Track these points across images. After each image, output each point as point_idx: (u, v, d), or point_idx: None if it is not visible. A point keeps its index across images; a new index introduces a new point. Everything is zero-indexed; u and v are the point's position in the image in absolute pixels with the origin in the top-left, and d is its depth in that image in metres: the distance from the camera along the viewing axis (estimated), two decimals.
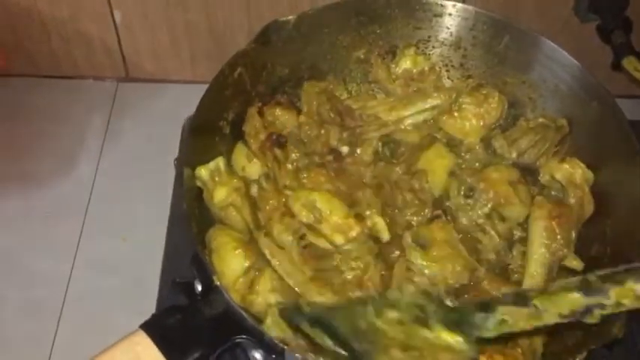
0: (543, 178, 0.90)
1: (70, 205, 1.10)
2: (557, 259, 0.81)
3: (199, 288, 0.70)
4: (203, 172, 0.85)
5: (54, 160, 1.15)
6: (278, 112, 0.93)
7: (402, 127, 0.94)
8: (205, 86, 0.88)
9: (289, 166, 0.89)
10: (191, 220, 0.77)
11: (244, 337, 0.68)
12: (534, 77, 0.94)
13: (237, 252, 0.78)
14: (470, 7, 0.93)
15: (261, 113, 0.92)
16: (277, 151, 0.89)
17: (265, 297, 0.77)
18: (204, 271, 0.70)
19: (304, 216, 0.82)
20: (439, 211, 0.86)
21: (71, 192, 1.12)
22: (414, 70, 0.97)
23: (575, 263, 0.82)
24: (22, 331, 0.98)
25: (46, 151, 1.16)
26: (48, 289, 1.02)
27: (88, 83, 1.26)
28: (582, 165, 0.86)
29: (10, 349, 0.97)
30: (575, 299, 0.59)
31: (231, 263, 0.78)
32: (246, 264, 0.78)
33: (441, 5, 0.94)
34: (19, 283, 1.02)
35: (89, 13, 1.15)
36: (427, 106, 0.94)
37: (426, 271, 0.80)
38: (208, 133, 0.88)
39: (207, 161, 0.85)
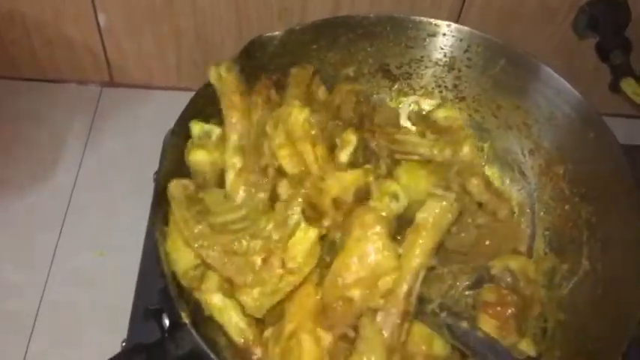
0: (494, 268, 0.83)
1: (46, 215, 1.07)
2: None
3: (167, 323, 0.67)
4: (196, 127, 0.84)
5: (32, 166, 1.12)
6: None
7: None
8: (191, 94, 0.85)
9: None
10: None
11: None
12: (529, 103, 0.90)
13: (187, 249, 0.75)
14: (465, 28, 0.90)
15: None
16: (272, 93, 0.85)
17: (210, 296, 0.74)
18: (173, 306, 0.67)
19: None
20: None
21: (48, 201, 1.08)
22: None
23: (528, 348, 0.79)
24: None
25: (25, 157, 1.12)
26: (21, 302, 0.98)
27: (71, 87, 1.22)
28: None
29: None
30: None
31: (182, 256, 0.75)
32: (196, 262, 0.76)
33: (435, 25, 0.90)
34: None
35: (73, 16, 1.11)
36: None
37: None
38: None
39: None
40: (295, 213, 0.78)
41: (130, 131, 1.17)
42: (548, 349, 0.82)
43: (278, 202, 0.81)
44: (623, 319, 0.74)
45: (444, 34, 0.91)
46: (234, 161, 0.83)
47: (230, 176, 0.82)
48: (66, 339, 0.96)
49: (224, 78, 0.84)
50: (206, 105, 0.86)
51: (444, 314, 0.75)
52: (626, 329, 0.72)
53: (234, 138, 0.83)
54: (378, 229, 0.73)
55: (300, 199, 0.79)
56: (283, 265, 0.75)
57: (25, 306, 0.98)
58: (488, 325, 0.77)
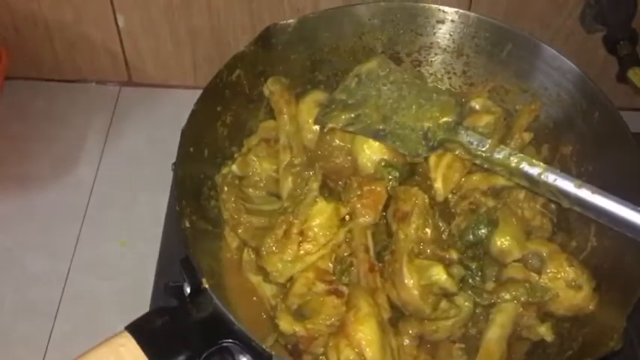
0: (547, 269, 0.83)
1: (68, 208, 1.10)
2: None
3: (188, 290, 0.70)
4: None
5: (54, 162, 1.15)
6: None
7: None
8: None
9: None
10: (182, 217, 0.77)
11: (231, 341, 0.67)
12: (536, 85, 0.93)
13: None
14: (472, 14, 0.92)
15: None
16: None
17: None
18: (194, 273, 0.69)
19: None
20: None
21: (70, 195, 1.11)
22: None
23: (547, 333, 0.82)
24: (17, 331, 0.97)
25: (47, 154, 1.16)
26: (44, 290, 1.01)
27: (91, 87, 1.26)
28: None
29: (4, 348, 0.96)
30: None
31: None
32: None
33: (443, 11, 0.93)
34: (16, 283, 1.01)
35: (92, 18, 1.15)
36: None
37: None
38: (205, 136, 0.88)
39: (201, 164, 0.87)
40: (313, 189, 0.83)
41: (147, 128, 1.20)
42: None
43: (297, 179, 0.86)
44: (628, 291, 0.76)
45: (452, 21, 0.94)
46: (283, 157, 0.89)
47: (280, 169, 0.89)
48: (88, 326, 0.98)
49: (271, 90, 0.92)
50: (225, 88, 0.89)
51: None
52: (631, 298, 0.74)
53: (283, 138, 0.91)
54: None
55: (318, 176, 0.84)
56: (302, 234, 0.80)
57: (48, 294, 1.01)
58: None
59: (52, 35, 1.18)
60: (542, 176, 0.81)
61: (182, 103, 1.20)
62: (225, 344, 0.67)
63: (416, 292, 0.77)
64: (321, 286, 0.78)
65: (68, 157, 1.16)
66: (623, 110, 1.15)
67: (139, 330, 0.65)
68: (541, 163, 0.81)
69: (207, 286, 0.68)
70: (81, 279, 1.03)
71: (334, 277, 0.79)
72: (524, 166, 0.82)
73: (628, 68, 1.08)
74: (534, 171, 0.81)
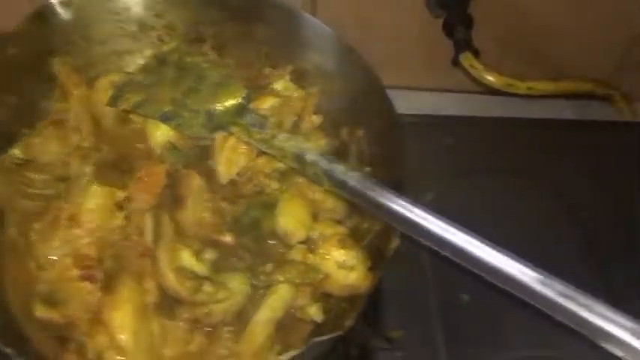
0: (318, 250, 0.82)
1: None
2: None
3: None
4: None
5: None
6: None
7: None
8: None
9: None
10: None
11: None
12: (316, 62, 0.93)
13: None
14: None
15: None
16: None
17: None
18: None
19: None
20: None
21: None
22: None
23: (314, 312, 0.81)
24: None
25: None
26: None
27: None
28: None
29: None
30: None
31: None
32: None
33: None
34: None
35: None
36: None
37: None
38: None
39: None
40: (85, 173, 0.81)
41: None
42: None
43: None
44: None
45: None
46: (72, 140, 0.87)
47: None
48: None
49: (59, 70, 0.89)
50: None
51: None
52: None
53: (72, 120, 0.89)
54: None
55: (91, 159, 0.83)
56: (73, 219, 0.78)
57: None
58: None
59: None
60: (309, 157, 0.79)
61: None
62: None
63: (171, 276, 0.76)
64: (75, 272, 0.76)
65: None
66: (466, 93, 1.16)
67: None
68: (311, 146, 0.80)
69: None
70: None
71: (93, 263, 0.77)
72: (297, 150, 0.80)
73: (461, 52, 1.09)
74: (310, 157, 0.79)
